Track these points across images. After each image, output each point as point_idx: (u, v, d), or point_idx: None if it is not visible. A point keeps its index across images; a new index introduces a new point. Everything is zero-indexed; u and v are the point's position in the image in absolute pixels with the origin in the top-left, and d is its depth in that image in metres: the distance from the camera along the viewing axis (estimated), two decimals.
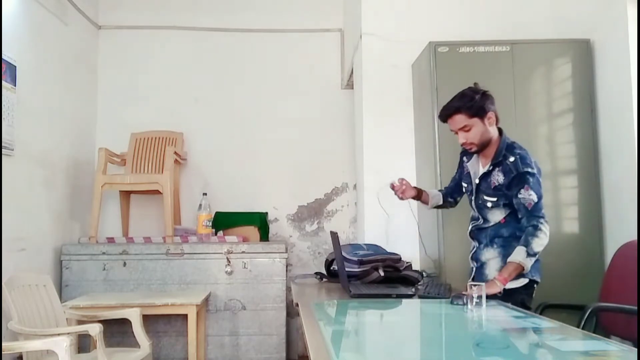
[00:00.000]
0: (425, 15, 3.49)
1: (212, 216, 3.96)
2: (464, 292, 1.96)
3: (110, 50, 4.37)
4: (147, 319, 3.18)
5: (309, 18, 4.48)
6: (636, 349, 1.38)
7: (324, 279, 2.79)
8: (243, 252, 3.68)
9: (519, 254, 2.09)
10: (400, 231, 3.26)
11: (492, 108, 2.22)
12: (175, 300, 3.22)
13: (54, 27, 3.62)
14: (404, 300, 2.15)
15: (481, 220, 2.32)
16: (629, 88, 2.74)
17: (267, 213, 4.26)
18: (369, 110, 3.50)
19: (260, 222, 4.04)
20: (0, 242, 2.83)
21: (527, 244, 2.08)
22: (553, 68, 3.10)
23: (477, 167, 2.34)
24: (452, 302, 1.96)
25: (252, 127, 4.39)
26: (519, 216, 2.18)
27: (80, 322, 2.94)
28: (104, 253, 3.59)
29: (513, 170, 2.17)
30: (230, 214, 4.09)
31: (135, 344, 2.93)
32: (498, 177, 2.22)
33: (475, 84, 2.27)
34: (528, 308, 2.14)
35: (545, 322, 1.74)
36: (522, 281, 2.18)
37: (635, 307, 2.16)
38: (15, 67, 3.08)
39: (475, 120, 2.20)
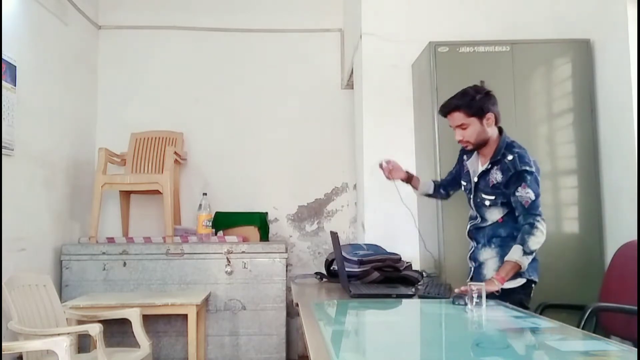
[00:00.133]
0: (425, 15, 3.49)
1: (212, 216, 3.96)
2: (462, 288, 1.97)
3: (110, 50, 4.37)
4: (147, 319, 3.18)
5: (309, 18, 4.48)
6: (636, 349, 1.38)
7: (324, 279, 2.79)
8: (243, 252, 3.68)
9: (515, 253, 2.09)
10: (400, 231, 3.26)
11: (492, 109, 2.23)
12: (175, 300, 3.22)
13: (54, 27, 3.62)
14: (404, 300, 2.15)
15: (479, 219, 2.33)
16: (629, 88, 2.73)
17: (267, 213, 4.26)
18: (369, 110, 3.50)
19: (260, 222, 4.04)
20: (0, 242, 2.83)
21: (523, 242, 2.09)
22: (553, 68, 3.10)
23: (477, 165, 2.35)
24: (453, 302, 1.96)
25: (252, 127, 4.39)
26: (516, 214, 2.18)
27: (80, 322, 2.94)
28: (104, 253, 3.59)
29: (511, 168, 2.18)
30: (230, 214, 4.08)
31: (135, 344, 2.93)
32: (496, 176, 2.23)
33: (481, 82, 2.28)
34: (526, 308, 2.15)
35: (545, 322, 1.74)
36: (520, 281, 2.18)
37: (635, 307, 2.16)
38: (15, 67, 3.08)
39: (473, 119, 2.21)
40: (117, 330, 3.35)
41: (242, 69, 4.42)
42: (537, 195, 2.14)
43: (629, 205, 2.70)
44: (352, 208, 4.36)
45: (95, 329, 2.59)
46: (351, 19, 4.05)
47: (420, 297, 2.17)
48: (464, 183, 2.44)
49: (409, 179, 2.58)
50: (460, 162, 2.48)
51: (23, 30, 3.23)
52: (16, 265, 3.02)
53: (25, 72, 3.18)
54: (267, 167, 4.37)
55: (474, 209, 2.36)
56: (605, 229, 2.95)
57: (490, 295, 1.99)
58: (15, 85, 3.07)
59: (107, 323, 2.90)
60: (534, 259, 2.16)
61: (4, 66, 2.95)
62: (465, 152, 2.42)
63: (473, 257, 2.36)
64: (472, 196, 2.35)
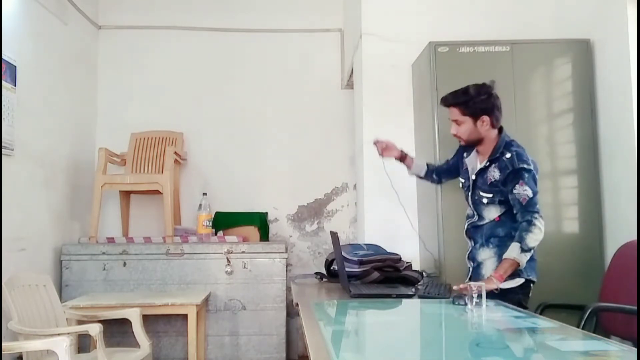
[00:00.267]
0: (425, 15, 3.49)
1: (212, 216, 3.96)
2: (461, 286, 1.97)
3: (110, 50, 4.37)
4: (147, 319, 3.18)
5: (309, 18, 4.48)
6: (636, 349, 1.38)
7: (324, 279, 2.79)
8: (243, 252, 3.68)
9: (513, 250, 2.09)
10: (400, 231, 3.26)
11: (490, 112, 2.24)
12: (175, 300, 3.22)
13: (54, 27, 3.62)
14: (404, 300, 2.15)
15: (476, 217, 2.33)
16: (629, 88, 2.73)
17: (267, 213, 4.26)
18: (369, 110, 3.50)
19: (260, 222, 4.04)
20: (0, 242, 2.83)
21: (521, 240, 2.09)
22: (553, 68, 3.10)
23: (475, 163, 2.36)
24: (453, 302, 1.96)
25: (252, 127, 4.39)
26: (514, 212, 2.19)
27: (80, 322, 2.94)
28: (104, 253, 3.59)
29: (509, 166, 2.18)
30: (230, 214, 4.08)
31: (135, 344, 2.93)
32: (494, 173, 2.24)
33: (492, 81, 2.29)
34: (525, 308, 2.14)
35: (545, 322, 1.74)
36: (518, 281, 2.18)
37: (635, 307, 2.16)
38: (15, 67, 3.08)
39: (467, 118, 2.26)
40: (117, 330, 3.35)
41: (242, 69, 4.42)
42: (534, 193, 2.15)
43: (629, 205, 2.70)
44: (352, 208, 4.36)
45: (95, 329, 2.59)
46: (351, 19, 4.05)
47: (420, 297, 2.17)
48: (462, 180, 2.45)
49: (402, 158, 2.61)
50: (459, 157, 2.48)
51: (23, 30, 3.23)
52: (16, 265, 3.01)
53: (25, 72, 3.18)
54: (267, 167, 4.38)
55: (471, 206, 2.37)
56: (605, 229, 2.95)
57: (490, 295, 1.99)
58: (15, 85, 3.07)
59: (107, 323, 2.89)
60: (532, 259, 2.16)
61: (4, 66, 2.95)
62: (465, 149, 2.42)
63: (471, 257, 2.37)
64: (470, 193, 2.36)
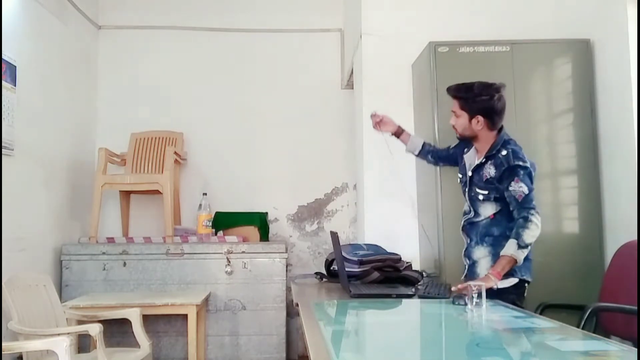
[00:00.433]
0: (425, 15, 3.49)
1: (212, 216, 3.96)
2: (460, 286, 1.97)
3: (110, 50, 4.37)
4: (147, 319, 3.18)
5: (309, 18, 4.48)
6: (636, 349, 1.38)
7: (324, 279, 2.78)
8: (243, 252, 3.68)
9: (510, 247, 2.10)
10: (400, 231, 3.26)
11: (487, 114, 2.24)
12: (175, 300, 3.22)
13: (54, 27, 3.62)
14: (404, 300, 2.15)
15: (472, 213, 2.34)
16: (628, 88, 2.73)
17: (267, 213, 4.26)
18: (369, 110, 3.46)
19: (260, 222, 4.04)
20: (0, 242, 2.83)
21: (518, 236, 2.09)
22: (553, 68, 3.10)
23: (473, 159, 2.37)
24: (453, 302, 1.95)
25: (252, 127, 4.39)
26: (511, 209, 2.19)
27: (80, 322, 2.94)
28: (104, 253, 3.59)
29: (505, 163, 2.19)
30: (230, 214, 4.08)
31: (135, 344, 2.93)
32: (490, 170, 2.25)
33: (501, 84, 2.29)
34: (520, 307, 2.14)
35: (545, 322, 1.74)
36: (512, 281, 2.19)
37: (635, 307, 2.16)
38: (15, 67, 3.08)
39: (464, 113, 2.29)
40: (117, 330, 3.35)
41: (242, 69, 4.42)
42: (530, 190, 2.15)
43: (629, 205, 2.70)
44: (352, 208, 4.36)
45: (95, 329, 2.59)
46: (351, 19, 4.05)
47: (420, 297, 2.16)
48: (460, 175, 2.46)
49: (398, 133, 2.62)
50: (460, 151, 2.46)
51: (23, 30, 3.23)
52: (16, 265, 3.01)
53: (25, 72, 3.18)
54: (267, 167, 4.37)
55: (468, 202, 2.38)
56: (605, 229, 2.95)
57: (489, 295, 1.99)
58: (15, 85, 3.07)
59: (107, 323, 2.90)
60: (527, 259, 2.16)
61: (4, 66, 2.95)
62: (466, 144, 2.43)
63: (467, 255, 2.38)
64: (467, 189, 2.38)
